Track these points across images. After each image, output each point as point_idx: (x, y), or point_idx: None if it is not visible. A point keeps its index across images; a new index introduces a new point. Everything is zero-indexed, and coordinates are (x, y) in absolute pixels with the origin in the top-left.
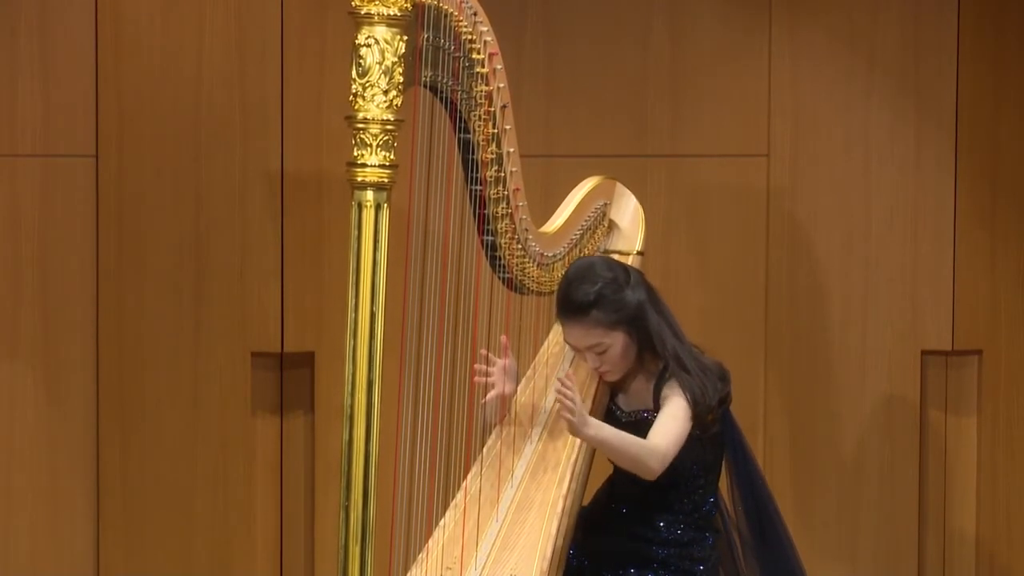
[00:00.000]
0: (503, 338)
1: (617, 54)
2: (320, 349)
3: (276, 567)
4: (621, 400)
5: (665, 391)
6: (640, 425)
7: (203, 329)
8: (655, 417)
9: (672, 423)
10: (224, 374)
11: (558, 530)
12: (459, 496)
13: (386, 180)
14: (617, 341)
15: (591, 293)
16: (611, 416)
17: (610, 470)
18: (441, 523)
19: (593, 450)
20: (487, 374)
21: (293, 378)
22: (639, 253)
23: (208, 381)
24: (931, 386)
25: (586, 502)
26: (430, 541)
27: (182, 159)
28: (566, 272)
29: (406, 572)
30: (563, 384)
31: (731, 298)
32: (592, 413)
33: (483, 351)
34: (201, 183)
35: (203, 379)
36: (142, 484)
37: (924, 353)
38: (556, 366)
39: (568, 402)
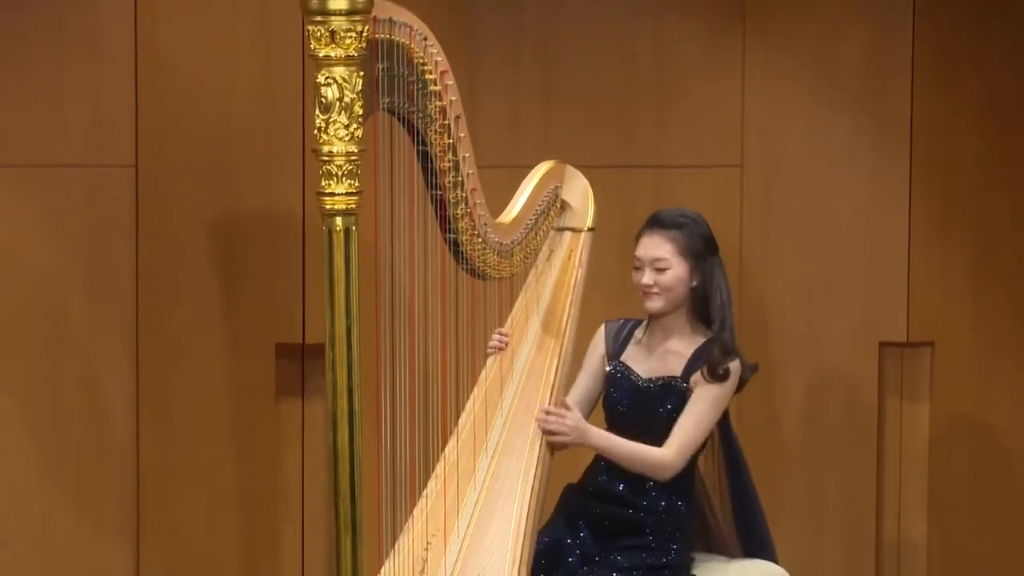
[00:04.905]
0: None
1: (607, 74)
2: None
3: (298, 537)
4: (642, 368)
5: (705, 369)
6: (667, 389)
7: (232, 323)
8: (681, 386)
9: (694, 428)
10: (251, 364)
11: (533, 493)
12: (439, 467)
13: (353, 206)
14: (680, 268)
15: (682, 220)
16: (628, 381)
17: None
18: (424, 493)
19: None
20: (502, 344)
21: (314, 367)
22: (591, 229)
23: (237, 370)
24: (888, 375)
25: (578, 477)
26: (415, 510)
27: (213, 168)
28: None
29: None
30: (544, 413)
31: None
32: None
33: (501, 330)
34: (230, 191)
35: (231, 369)
36: (177, 467)
37: (882, 344)
38: (520, 340)
39: (553, 426)
